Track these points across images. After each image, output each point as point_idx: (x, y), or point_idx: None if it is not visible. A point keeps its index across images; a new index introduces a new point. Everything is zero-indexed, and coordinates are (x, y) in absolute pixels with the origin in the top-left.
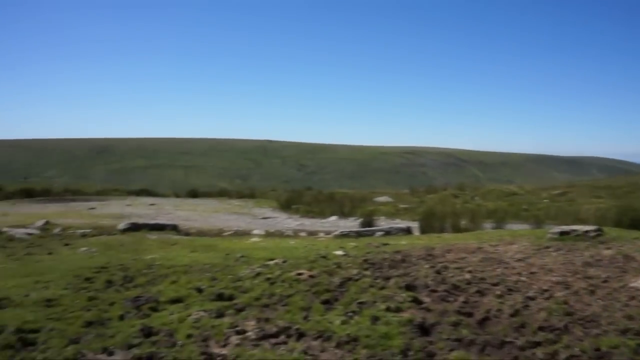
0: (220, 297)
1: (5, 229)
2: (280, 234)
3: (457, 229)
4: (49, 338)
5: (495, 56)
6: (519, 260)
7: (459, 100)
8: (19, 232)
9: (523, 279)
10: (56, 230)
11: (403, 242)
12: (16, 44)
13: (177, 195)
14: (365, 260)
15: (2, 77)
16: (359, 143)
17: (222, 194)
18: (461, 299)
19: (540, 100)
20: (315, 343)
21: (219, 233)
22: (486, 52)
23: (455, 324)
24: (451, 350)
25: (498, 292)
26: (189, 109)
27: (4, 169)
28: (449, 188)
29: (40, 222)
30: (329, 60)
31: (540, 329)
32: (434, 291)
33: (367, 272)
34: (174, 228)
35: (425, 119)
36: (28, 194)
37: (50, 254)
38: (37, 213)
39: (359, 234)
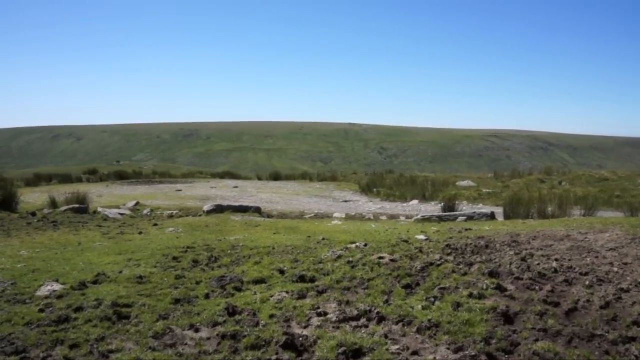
0: (301, 278)
1: (100, 209)
2: (360, 217)
3: (543, 215)
4: (140, 313)
5: (586, 32)
6: (611, 249)
7: (547, 81)
8: (112, 212)
9: (615, 269)
10: (145, 211)
11: (486, 227)
12: (105, 36)
13: (260, 178)
14: (448, 245)
15: (94, 69)
16: (441, 126)
17: (303, 176)
18: (547, 287)
19: (635, 80)
20: (396, 327)
21: (300, 215)
22: (575, 28)
23: (541, 314)
24: (536, 340)
25: (587, 282)
26: (273, 92)
27: (98, 153)
28: (535, 173)
29: (131, 203)
30: (411, 42)
31: (635, 323)
32: (519, 279)
33: (449, 258)
34: (257, 210)
35: (511, 101)
36: (120, 177)
37: (140, 233)
38: (128, 194)
39: (440, 219)
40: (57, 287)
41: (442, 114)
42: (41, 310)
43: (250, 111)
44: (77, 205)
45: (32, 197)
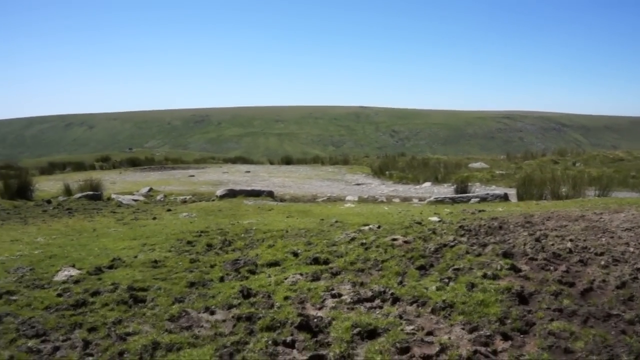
0: (315, 261)
1: (114, 196)
2: (373, 200)
3: (557, 196)
4: (156, 296)
5: (600, 9)
6: (627, 229)
7: (560, 62)
8: (126, 198)
9: (631, 249)
10: (159, 197)
11: (500, 208)
12: (115, 25)
13: (272, 163)
14: (461, 227)
15: (105, 58)
16: (452, 108)
17: (315, 160)
18: (562, 268)
19: None
20: (410, 308)
21: (313, 199)
22: (589, 5)
23: (556, 294)
24: (552, 320)
25: (603, 263)
26: (283, 77)
27: (110, 141)
28: (548, 154)
29: (144, 190)
30: (422, 23)
31: None
32: (533, 259)
33: (463, 239)
34: (270, 194)
35: (523, 82)
36: (133, 163)
37: (154, 218)
38: (141, 181)
39: (453, 200)
40: (74, 272)
41: (453, 96)
42: (59, 295)
43: (261, 96)
44: (91, 193)
45: (47, 185)
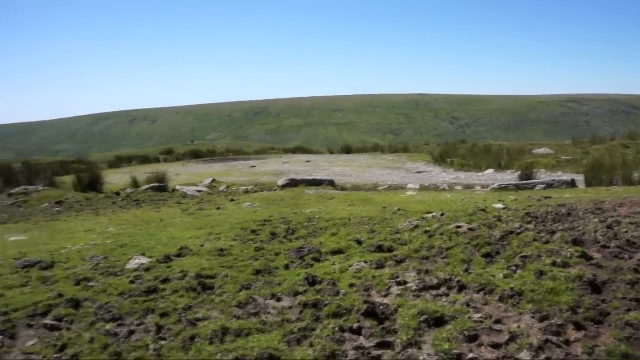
0: (379, 249)
1: (178, 187)
2: (435, 188)
3: (629, 182)
4: (224, 284)
5: None
6: None
7: (627, 40)
8: (190, 189)
9: None
10: (222, 188)
11: (567, 195)
12: (175, 21)
13: (332, 152)
14: (528, 214)
15: (166, 54)
16: (514, 93)
17: (375, 149)
18: (638, 256)
19: None
20: (477, 296)
21: (374, 187)
22: None
23: (632, 283)
24: (628, 310)
25: None
26: (341, 66)
27: (173, 134)
28: (618, 138)
29: (207, 181)
30: (482, 8)
31: None
32: (605, 247)
33: (530, 226)
34: (331, 183)
35: (588, 63)
36: (195, 156)
37: (218, 209)
38: (204, 172)
39: (518, 187)
40: (144, 260)
41: (515, 81)
42: (132, 282)
43: (319, 86)
44: (157, 184)
45: (115, 179)
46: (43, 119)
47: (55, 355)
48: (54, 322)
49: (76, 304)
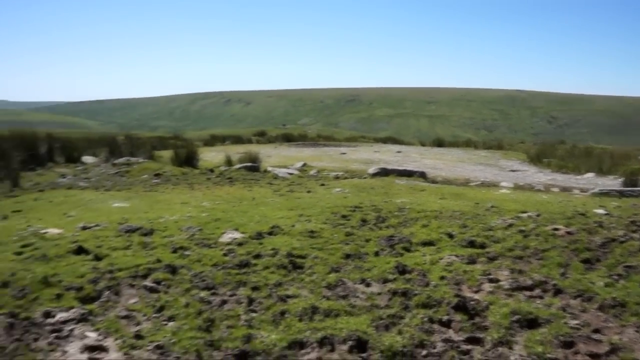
0: (471, 244)
1: (270, 169)
2: (530, 188)
3: None
4: (314, 264)
5: None
6: None
7: None
8: (281, 171)
9: None
10: (312, 172)
11: None
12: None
13: (423, 144)
14: (633, 222)
15: (262, 39)
16: (619, 93)
17: (467, 144)
18: None
19: None
20: (574, 302)
21: (465, 183)
22: None
23: None
24: None
25: None
26: (435, 57)
27: (265, 117)
28: None
29: (298, 164)
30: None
31: None
32: None
33: (636, 235)
34: (422, 175)
35: None
36: (287, 139)
37: (309, 192)
38: (295, 156)
39: (621, 194)
40: (237, 235)
41: (620, 80)
42: (225, 255)
43: (412, 76)
44: (249, 164)
45: (209, 156)
46: (144, 95)
47: (154, 315)
48: (153, 285)
49: (173, 270)
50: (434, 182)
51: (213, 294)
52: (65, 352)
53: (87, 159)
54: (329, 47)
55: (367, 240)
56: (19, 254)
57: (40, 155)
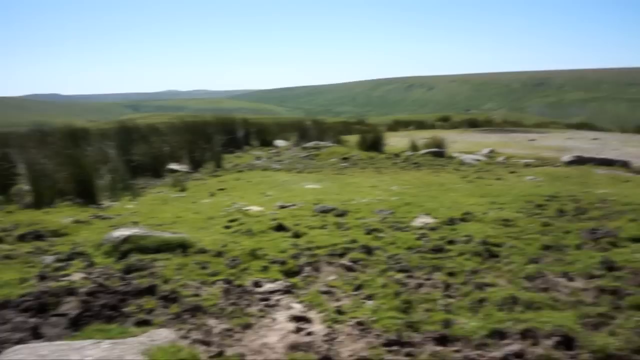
0: None
1: (456, 154)
2: None
3: None
4: (510, 254)
5: None
6: None
7: None
8: (467, 157)
9: None
10: (500, 159)
11: None
12: None
13: (624, 131)
14: None
15: (445, 20)
16: None
17: None
18: None
19: None
20: None
21: None
22: None
23: None
24: None
25: None
26: (636, 34)
27: (447, 102)
28: None
29: (485, 150)
30: None
31: None
32: None
33: None
34: (624, 164)
35: None
36: (471, 124)
37: (498, 179)
38: (480, 142)
39: None
40: (429, 220)
41: None
42: (418, 239)
43: (610, 57)
44: (435, 150)
45: (393, 141)
46: (328, 82)
47: (353, 293)
48: (350, 264)
49: (368, 250)
50: (639, 172)
51: (409, 276)
52: (274, 319)
53: (279, 142)
54: (515, 29)
55: (567, 232)
56: (227, 227)
57: (238, 139)
